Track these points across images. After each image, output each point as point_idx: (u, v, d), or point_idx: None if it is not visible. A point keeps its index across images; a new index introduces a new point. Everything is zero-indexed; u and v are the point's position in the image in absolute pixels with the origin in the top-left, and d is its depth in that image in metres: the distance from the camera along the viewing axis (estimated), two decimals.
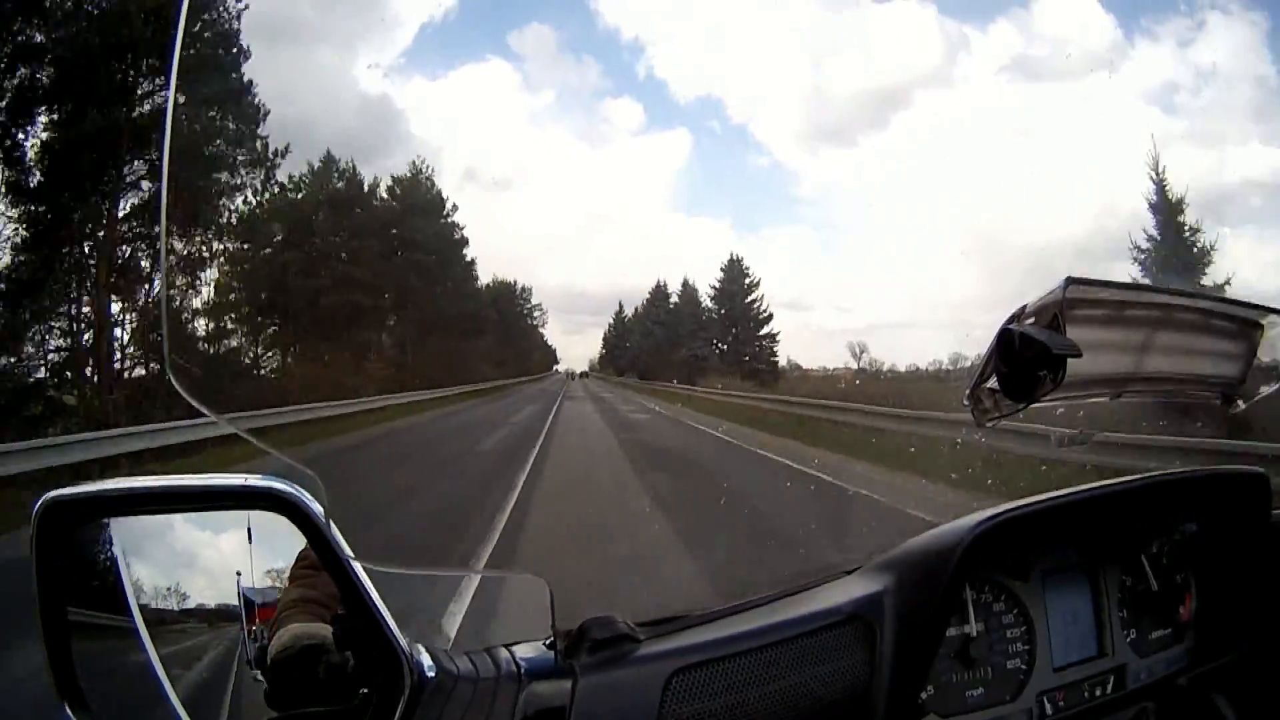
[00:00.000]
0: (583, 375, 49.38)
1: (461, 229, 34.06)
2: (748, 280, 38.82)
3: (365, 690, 0.76)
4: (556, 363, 51.49)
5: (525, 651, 0.85)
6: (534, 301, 46.20)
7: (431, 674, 0.77)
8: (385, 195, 31.39)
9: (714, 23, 40.70)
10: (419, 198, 32.52)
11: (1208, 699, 1.07)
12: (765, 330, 38.67)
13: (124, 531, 0.75)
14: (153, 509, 0.77)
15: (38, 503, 0.70)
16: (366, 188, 30.52)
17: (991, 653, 1.01)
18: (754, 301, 38.57)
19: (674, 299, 42.76)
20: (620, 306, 47.81)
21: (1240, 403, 1.07)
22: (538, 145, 42.96)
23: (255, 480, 0.74)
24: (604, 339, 49.04)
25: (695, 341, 38.68)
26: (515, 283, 44.47)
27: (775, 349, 37.74)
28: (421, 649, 0.78)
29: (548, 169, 44.05)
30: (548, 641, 0.86)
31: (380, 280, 29.60)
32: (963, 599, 0.99)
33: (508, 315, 42.55)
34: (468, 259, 35.55)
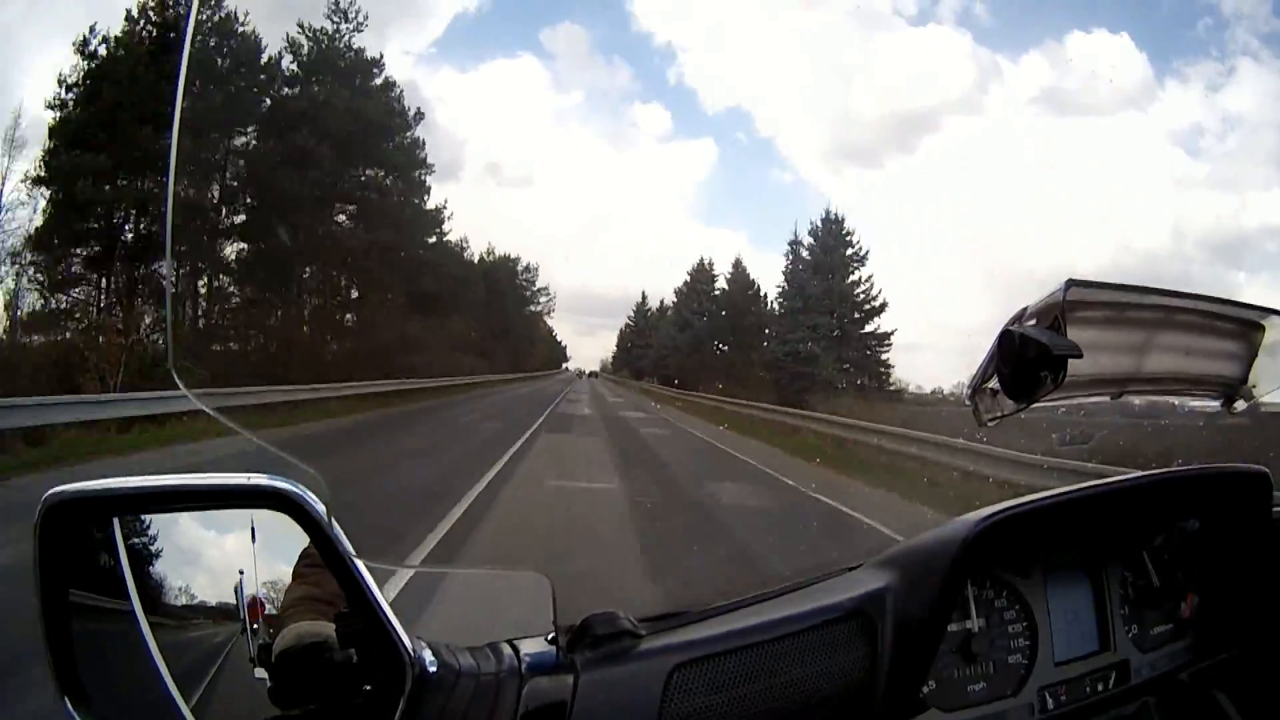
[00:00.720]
0: (591, 375, 46.15)
1: (421, 145, 23.93)
2: (850, 250, 25.95)
3: (368, 687, 0.76)
4: (566, 360, 48.11)
5: (527, 647, 0.85)
6: (540, 285, 38.61)
7: (434, 669, 0.77)
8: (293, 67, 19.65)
9: (747, 35, 39.79)
10: (337, 60, 20.20)
11: (1209, 695, 1.07)
12: (873, 326, 26.03)
13: (127, 530, 0.76)
14: (156, 508, 0.77)
15: (41, 501, 0.71)
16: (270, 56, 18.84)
17: (993, 648, 1.02)
18: (856, 283, 25.99)
19: (722, 281, 31.49)
20: (643, 298, 40.34)
21: (1241, 404, 1.07)
22: (561, 144, 42.11)
23: (259, 479, 0.74)
24: (620, 336, 42.98)
25: (798, 333, 25.23)
26: (517, 259, 36.99)
27: (887, 356, 25.79)
28: (424, 644, 0.78)
29: (569, 168, 43.26)
30: (550, 637, 0.86)
31: (245, 185, 18.46)
32: (964, 595, 0.99)
33: (509, 297, 35.40)
34: (430, 197, 25.44)
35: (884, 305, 25.83)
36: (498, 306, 33.83)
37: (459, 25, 39.00)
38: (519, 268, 38.71)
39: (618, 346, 44.84)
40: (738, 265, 31.86)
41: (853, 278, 26.18)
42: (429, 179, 25.42)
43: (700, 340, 31.31)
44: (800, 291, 26.29)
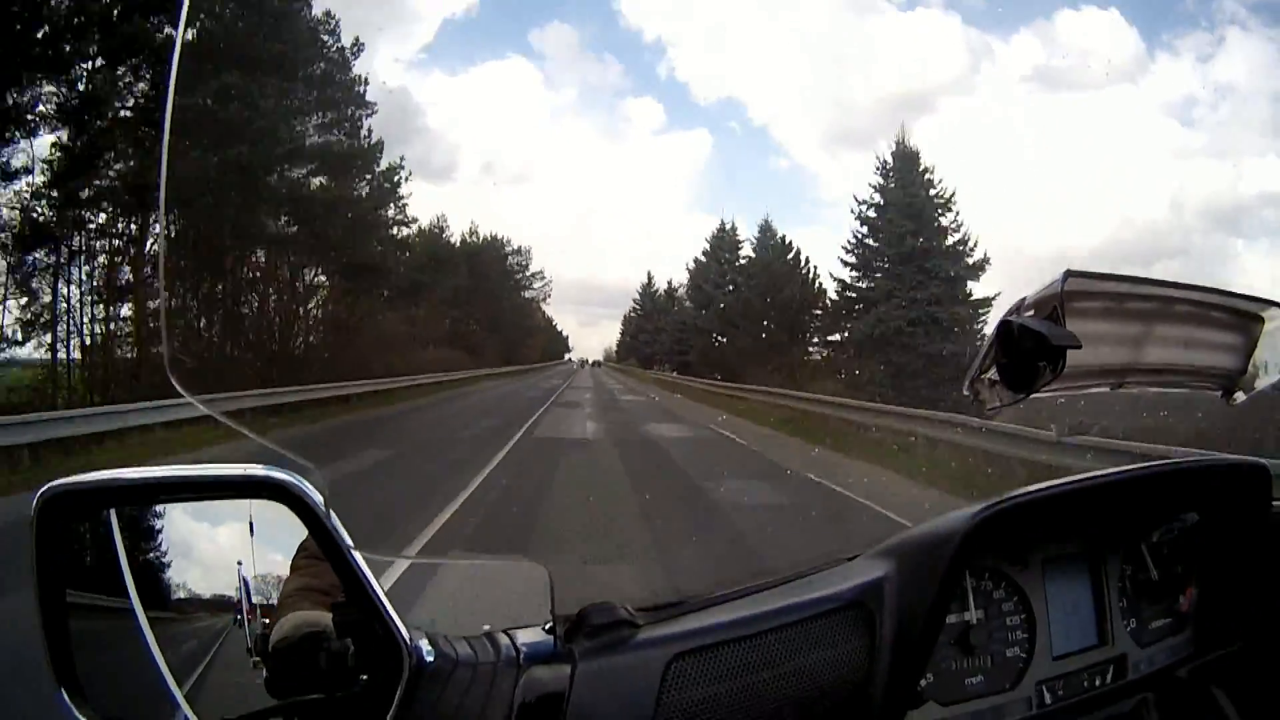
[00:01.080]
0: (594, 364, 45.25)
1: (362, 82, 19.00)
2: (934, 193, 18.52)
3: (365, 677, 0.76)
4: (568, 351, 47.19)
5: (524, 636, 0.85)
6: (535, 269, 34.45)
7: (430, 659, 0.77)
8: None
9: (736, 25, 39.47)
10: None
11: (1207, 690, 1.08)
12: (970, 288, 18.33)
13: (124, 522, 0.76)
14: (153, 499, 0.77)
15: (37, 493, 0.71)
16: None
17: (991, 640, 1.01)
18: (946, 231, 18.49)
19: (748, 246, 25.32)
20: (649, 279, 36.00)
21: (1240, 395, 1.07)
22: (556, 141, 41.85)
23: (256, 470, 0.74)
24: (624, 322, 39.41)
25: (927, 289, 17.11)
26: (505, 240, 32.62)
27: (983, 327, 17.85)
28: (421, 634, 0.79)
29: (565, 165, 43.19)
30: (547, 626, 0.86)
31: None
32: (963, 587, 0.99)
33: (498, 282, 31.25)
34: (384, 158, 19.90)
35: (985, 261, 17.85)
36: (485, 293, 29.76)
37: (448, 29, 38.97)
38: (509, 250, 33.78)
39: (622, 334, 41.36)
40: (766, 229, 24.89)
41: (942, 220, 18.61)
42: (369, 121, 19.10)
43: (727, 319, 24.60)
44: (912, 228, 17.50)
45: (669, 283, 34.98)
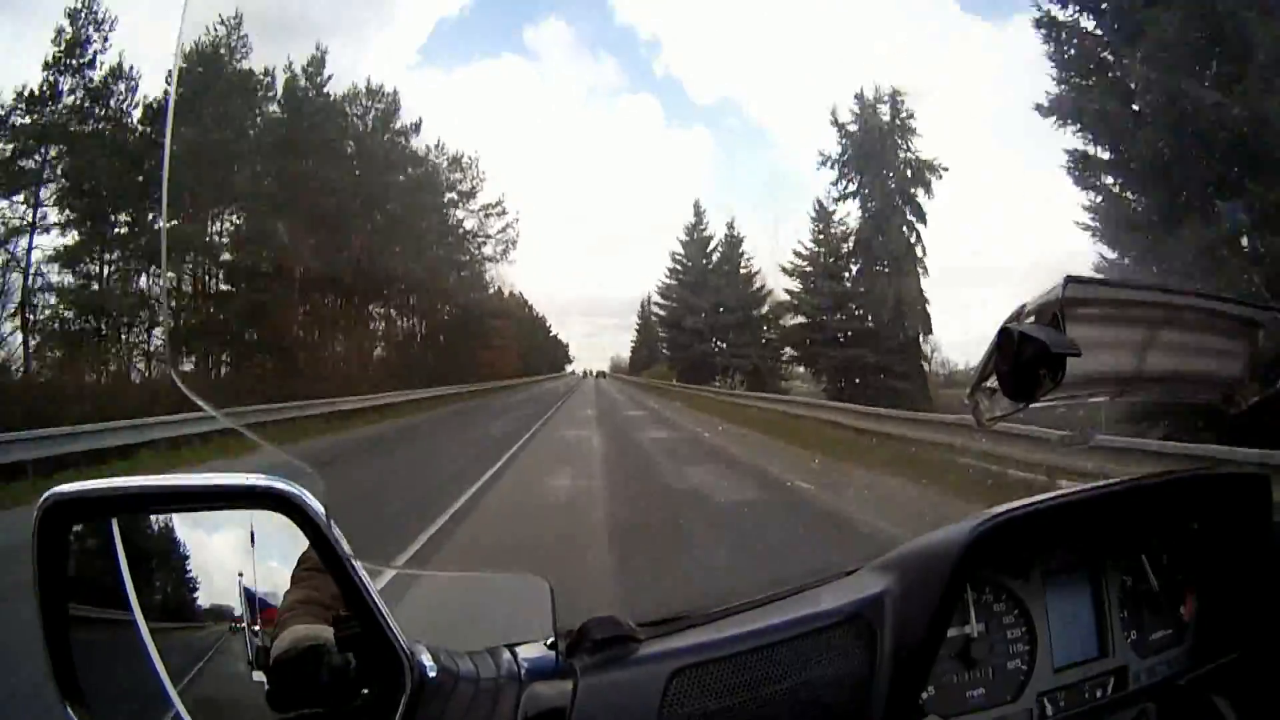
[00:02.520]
0: (599, 375, 43.01)
1: None
2: None
3: (366, 691, 0.76)
4: (569, 362, 43.72)
5: (526, 652, 0.85)
6: (490, 199, 19.52)
7: (433, 674, 0.77)
8: None
9: (731, 20, 39.29)
10: None
11: (1208, 700, 1.07)
12: None
13: (126, 531, 0.75)
14: (155, 508, 0.77)
15: (39, 502, 0.71)
16: None
17: (992, 653, 1.01)
18: None
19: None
20: (697, 211, 23.56)
21: (1241, 403, 1.07)
22: (550, 144, 40.98)
23: (257, 480, 0.74)
24: (642, 310, 29.88)
25: None
26: (394, 96, 17.58)
27: None
28: (423, 649, 0.78)
29: (561, 168, 42.50)
30: (549, 642, 0.86)
31: None
32: (963, 599, 0.99)
33: (394, 195, 15.70)
34: None
35: None
36: (350, 201, 14.10)
37: (442, 29, 38.51)
38: (443, 155, 17.16)
39: (639, 328, 30.92)
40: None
41: None
42: None
43: None
44: None
45: (729, 226, 23.69)
